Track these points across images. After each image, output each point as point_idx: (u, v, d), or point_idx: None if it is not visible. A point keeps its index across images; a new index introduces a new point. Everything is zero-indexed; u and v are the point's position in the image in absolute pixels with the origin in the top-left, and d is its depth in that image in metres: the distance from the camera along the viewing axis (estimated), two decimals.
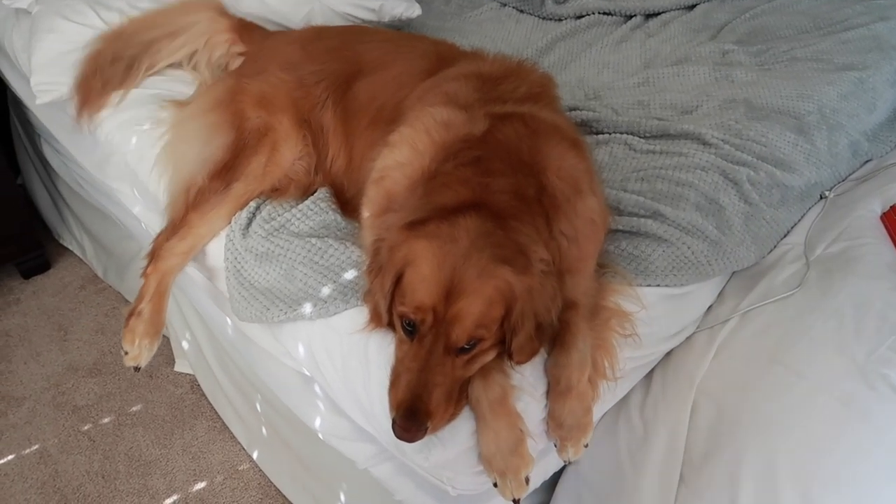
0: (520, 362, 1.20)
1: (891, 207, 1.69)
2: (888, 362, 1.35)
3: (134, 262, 2.22)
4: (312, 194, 1.58)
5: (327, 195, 1.57)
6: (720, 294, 1.64)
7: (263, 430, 1.93)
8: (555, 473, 1.50)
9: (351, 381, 1.29)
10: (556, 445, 1.27)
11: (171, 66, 1.93)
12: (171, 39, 1.86)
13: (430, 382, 1.11)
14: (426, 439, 1.15)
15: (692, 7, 2.44)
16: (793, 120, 1.81)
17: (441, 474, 1.22)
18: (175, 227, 1.57)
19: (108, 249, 2.54)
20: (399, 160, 1.31)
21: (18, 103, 2.46)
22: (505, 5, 2.59)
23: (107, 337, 2.46)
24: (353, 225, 1.49)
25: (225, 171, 1.56)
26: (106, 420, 2.19)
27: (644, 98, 1.94)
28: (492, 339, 1.14)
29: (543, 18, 2.50)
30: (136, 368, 1.58)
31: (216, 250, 1.56)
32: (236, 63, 1.89)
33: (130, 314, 1.57)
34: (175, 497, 1.99)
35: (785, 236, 1.71)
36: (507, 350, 1.16)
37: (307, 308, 1.34)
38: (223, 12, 1.90)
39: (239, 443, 2.09)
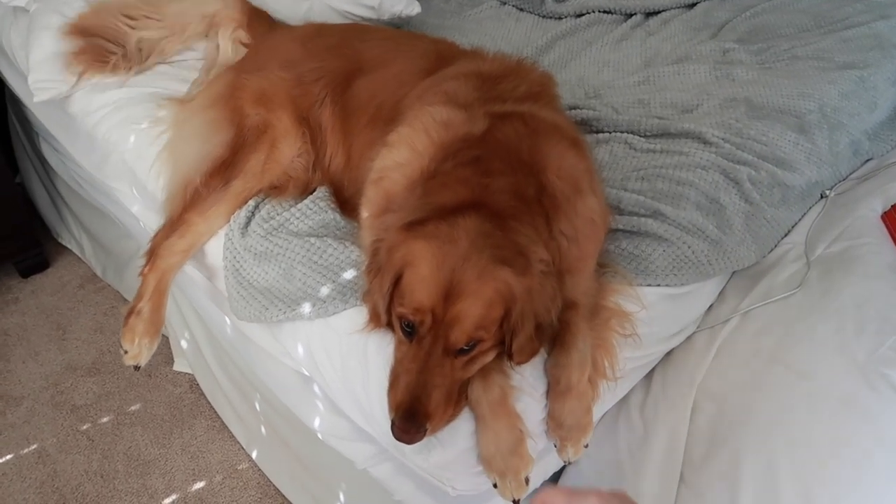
0: (520, 363, 1.19)
1: (892, 207, 1.69)
2: (889, 362, 1.34)
3: (133, 261, 2.22)
4: (311, 193, 1.57)
5: (326, 194, 1.56)
6: (720, 294, 1.64)
7: (262, 430, 1.92)
8: (555, 473, 1.49)
9: (350, 382, 1.29)
10: (555, 446, 1.27)
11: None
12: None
13: (429, 384, 1.11)
14: (425, 440, 1.14)
15: (692, 5, 2.43)
16: (794, 119, 1.80)
17: (441, 475, 1.22)
18: (173, 225, 1.56)
19: (106, 248, 2.53)
20: (398, 160, 1.30)
21: (16, 101, 2.46)
22: (505, 3, 2.57)
23: (105, 336, 2.45)
24: (352, 224, 1.48)
25: (224, 169, 1.56)
26: (105, 419, 2.19)
27: (644, 97, 1.93)
28: (491, 340, 1.14)
29: (543, 17, 2.49)
30: (136, 367, 1.58)
31: (215, 249, 1.56)
32: (237, 52, 1.88)
33: (129, 313, 1.57)
34: (174, 496, 1.99)
35: (785, 236, 1.70)
36: (506, 351, 1.16)
37: (306, 308, 1.34)
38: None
39: (238, 442, 2.09)
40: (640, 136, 1.78)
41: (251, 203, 1.55)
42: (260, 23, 1.92)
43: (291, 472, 1.89)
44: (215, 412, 2.17)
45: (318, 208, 1.51)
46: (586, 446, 1.26)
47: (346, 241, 1.42)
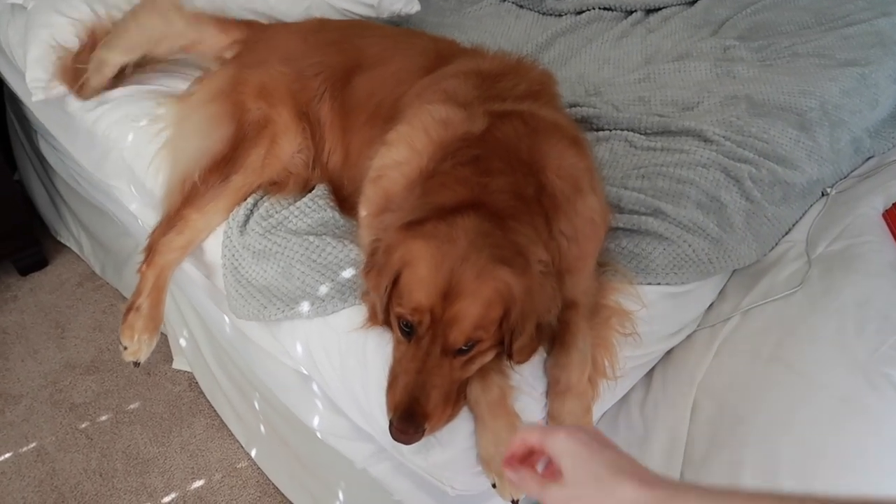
0: (519, 362, 1.19)
1: (893, 205, 1.68)
2: (890, 361, 1.34)
3: (131, 259, 2.21)
4: (311, 191, 1.57)
5: (325, 192, 1.55)
6: (721, 292, 1.63)
7: (262, 428, 1.92)
8: None
9: (349, 381, 1.29)
10: None
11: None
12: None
13: (428, 384, 1.10)
14: (424, 440, 1.14)
15: (693, 2, 2.42)
16: (794, 116, 1.79)
17: (440, 475, 1.22)
18: (172, 221, 1.56)
19: (105, 246, 2.53)
20: (397, 159, 1.29)
21: (15, 99, 2.45)
22: (504, 0, 2.57)
23: (104, 334, 2.45)
24: (351, 223, 1.47)
25: (224, 164, 1.55)
26: (103, 418, 2.18)
27: (645, 94, 1.92)
28: (490, 340, 1.13)
29: (543, 14, 2.48)
30: (136, 364, 1.58)
31: (213, 247, 1.55)
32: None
33: (128, 309, 1.56)
34: (173, 495, 1.98)
35: (786, 234, 1.69)
36: (506, 350, 1.15)
37: (305, 306, 1.33)
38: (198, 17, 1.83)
39: (237, 441, 2.09)
40: (641, 133, 1.77)
41: (250, 201, 1.54)
42: (249, 31, 1.84)
43: (290, 470, 1.88)
44: (214, 411, 2.17)
45: (316, 206, 1.50)
46: None
47: (344, 239, 1.42)
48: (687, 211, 1.50)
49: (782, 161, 1.69)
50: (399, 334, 1.15)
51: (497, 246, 1.11)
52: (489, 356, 1.16)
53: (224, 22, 1.82)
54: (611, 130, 1.79)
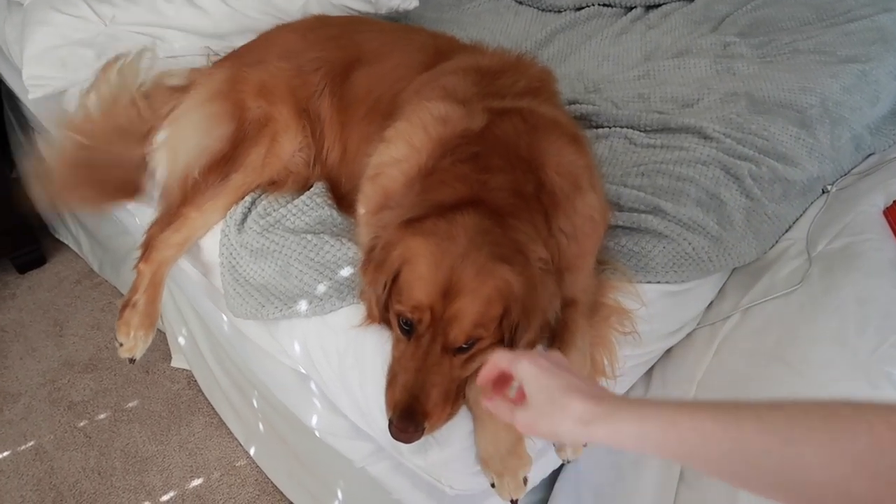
0: None
1: (894, 202, 1.67)
2: (891, 360, 1.33)
3: (129, 257, 2.18)
4: (309, 189, 1.56)
5: (323, 190, 1.55)
6: (721, 290, 1.63)
7: (260, 427, 1.92)
8: (554, 471, 1.48)
9: (347, 380, 1.28)
10: (554, 444, 1.26)
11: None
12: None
13: (428, 382, 1.09)
14: (423, 439, 1.13)
15: None
16: (795, 113, 1.78)
17: (438, 474, 1.21)
18: (170, 218, 1.55)
19: (103, 244, 2.52)
20: (395, 156, 1.29)
21: (12, 96, 2.44)
22: None
23: (102, 332, 2.44)
24: (350, 221, 1.47)
25: (224, 163, 1.54)
26: (102, 416, 2.18)
27: (644, 91, 1.92)
28: (490, 338, 1.13)
29: (542, 10, 2.47)
30: (131, 360, 1.57)
31: (211, 246, 1.55)
32: None
33: (125, 306, 1.55)
34: (172, 494, 1.98)
35: (786, 232, 1.69)
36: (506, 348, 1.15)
37: (303, 305, 1.33)
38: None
39: (236, 439, 2.08)
40: (640, 130, 1.76)
41: (248, 199, 1.53)
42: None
43: (289, 469, 1.88)
44: (213, 409, 2.16)
45: (314, 204, 1.49)
46: (585, 445, 1.25)
47: (342, 237, 1.41)
48: (687, 209, 1.49)
49: (782, 158, 1.68)
50: (398, 332, 1.15)
51: (497, 243, 1.10)
52: (489, 354, 1.15)
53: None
54: (610, 128, 1.79)
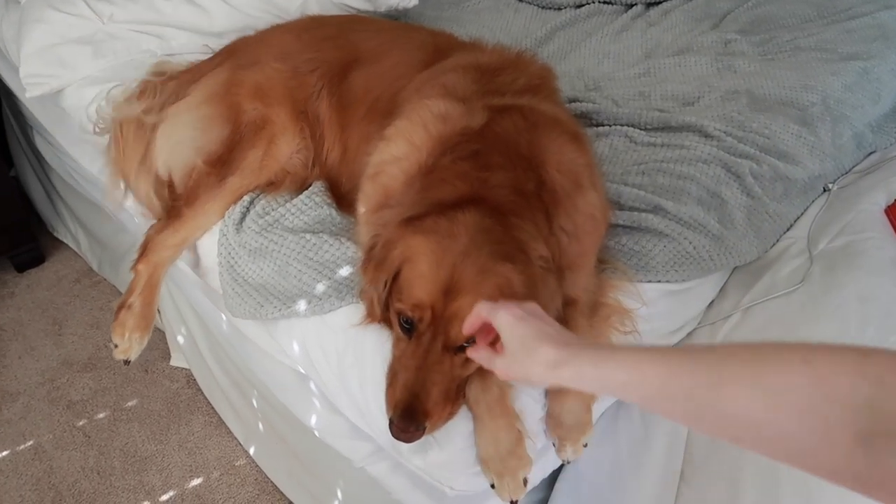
0: None
1: (895, 200, 1.66)
2: None
3: (129, 256, 2.19)
4: (307, 188, 1.55)
5: (322, 189, 1.54)
6: (722, 289, 1.62)
7: (260, 426, 1.91)
8: (554, 471, 1.48)
9: (346, 380, 1.27)
10: (554, 445, 1.26)
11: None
12: None
13: (429, 381, 1.09)
14: (423, 439, 1.12)
15: None
16: (796, 111, 1.78)
17: (438, 475, 1.21)
18: (167, 219, 1.55)
19: (102, 242, 2.51)
20: (395, 155, 1.28)
21: (10, 95, 2.43)
22: None
23: (101, 331, 2.44)
24: (349, 220, 1.46)
25: (220, 165, 1.53)
26: (101, 415, 2.17)
27: (645, 89, 1.91)
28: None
29: (542, 7, 2.46)
30: (126, 362, 1.56)
31: (209, 245, 1.54)
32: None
33: (120, 307, 1.55)
34: (171, 493, 1.97)
35: (787, 230, 1.68)
36: None
37: (301, 305, 1.32)
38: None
39: (235, 438, 2.08)
40: (641, 129, 1.76)
41: (246, 199, 1.53)
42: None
43: (289, 468, 1.88)
44: (212, 408, 2.16)
45: (313, 204, 1.49)
46: (585, 446, 1.24)
47: (342, 237, 1.40)
48: (687, 207, 1.49)
49: (783, 156, 1.67)
50: (399, 331, 1.14)
51: (498, 242, 1.09)
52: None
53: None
54: (610, 126, 1.78)
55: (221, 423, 2.12)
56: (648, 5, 2.39)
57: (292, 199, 1.51)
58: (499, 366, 0.90)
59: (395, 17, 2.28)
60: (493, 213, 1.13)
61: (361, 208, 1.35)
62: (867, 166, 1.86)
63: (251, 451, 2.02)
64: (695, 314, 1.57)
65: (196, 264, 1.62)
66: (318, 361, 1.33)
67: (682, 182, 1.55)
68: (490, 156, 1.21)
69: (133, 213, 1.85)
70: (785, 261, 1.58)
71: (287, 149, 1.57)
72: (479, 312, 0.94)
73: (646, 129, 1.75)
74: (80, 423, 2.15)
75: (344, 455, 1.45)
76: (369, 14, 2.20)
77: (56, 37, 1.89)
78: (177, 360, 2.28)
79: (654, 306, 1.37)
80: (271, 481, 1.97)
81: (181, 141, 1.57)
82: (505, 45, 1.58)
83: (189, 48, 1.99)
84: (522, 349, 0.84)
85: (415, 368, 1.09)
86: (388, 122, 1.36)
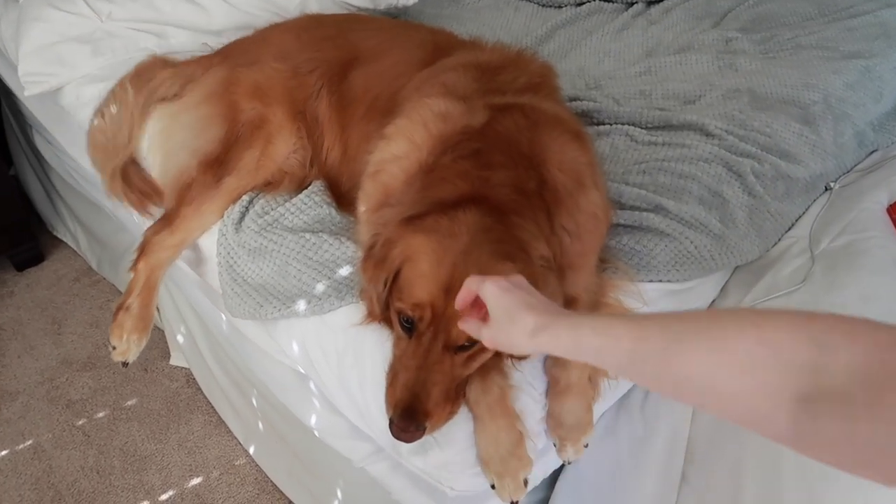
0: (520, 358, 1.17)
1: None
2: None
3: (127, 255, 2.19)
4: (307, 188, 1.55)
5: (322, 188, 1.53)
6: (723, 289, 1.61)
7: (260, 426, 1.91)
8: (554, 471, 1.47)
9: (346, 380, 1.27)
10: (555, 445, 1.25)
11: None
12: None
13: (429, 381, 1.08)
14: (423, 440, 1.12)
15: None
16: (798, 110, 1.77)
17: (438, 475, 1.20)
18: (165, 220, 1.54)
19: (101, 241, 2.51)
20: (396, 153, 1.27)
21: (9, 94, 2.42)
22: None
23: (101, 330, 2.43)
24: (349, 219, 1.45)
25: (217, 165, 1.53)
26: (100, 415, 2.17)
27: (646, 87, 1.90)
28: None
29: (543, 5, 2.45)
30: (124, 364, 1.56)
31: (208, 245, 1.53)
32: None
33: (119, 308, 1.54)
34: (171, 493, 1.97)
35: (789, 229, 1.67)
36: None
37: (301, 305, 1.31)
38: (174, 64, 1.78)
39: (235, 437, 2.07)
40: (642, 128, 1.75)
41: (245, 198, 1.52)
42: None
43: (289, 468, 1.87)
44: (212, 407, 2.15)
45: (313, 203, 1.48)
46: (586, 446, 1.24)
47: (341, 236, 1.40)
48: (689, 207, 1.48)
49: (785, 155, 1.67)
50: (399, 330, 1.14)
51: (499, 241, 1.09)
52: (491, 352, 1.14)
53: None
54: (611, 125, 1.77)
55: (221, 422, 2.12)
56: (649, 3, 2.38)
57: (291, 198, 1.50)
58: (485, 335, 0.93)
59: (395, 16, 2.27)
60: (494, 212, 1.12)
61: (362, 207, 1.34)
62: (869, 165, 1.86)
63: (251, 450, 2.01)
64: None
65: (196, 263, 1.61)
66: (317, 361, 1.32)
67: (683, 181, 1.54)
68: (491, 154, 1.20)
69: (132, 212, 1.84)
70: (786, 260, 1.58)
71: (284, 149, 1.56)
72: (469, 286, 0.96)
73: (647, 128, 1.75)
74: (80, 423, 2.15)
75: (344, 455, 1.45)
76: (369, 12, 2.19)
77: (55, 35, 1.89)
78: (176, 360, 2.28)
79: (655, 306, 1.37)
80: (271, 481, 1.97)
81: (179, 144, 1.56)
82: (505, 43, 1.57)
83: (188, 46, 1.98)
84: (506, 318, 0.87)
85: (415, 368, 1.09)
86: (388, 121, 1.35)
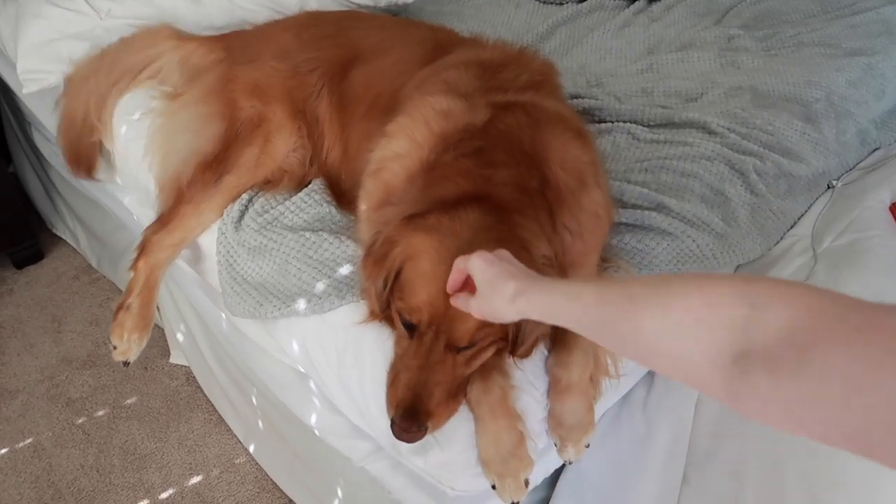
0: (523, 356, 1.16)
1: None
2: None
3: (128, 253, 2.18)
4: (306, 186, 1.54)
5: (322, 187, 1.52)
6: None
7: (260, 424, 1.90)
8: (555, 470, 1.47)
9: (346, 379, 1.26)
10: (556, 445, 1.24)
11: None
12: (134, 76, 1.76)
13: (431, 381, 1.07)
14: (424, 439, 1.11)
15: None
16: (800, 107, 1.77)
17: (439, 475, 1.19)
18: (165, 219, 1.53)
19: (101, 239, 2.50)
20: (397, 151, 1.27)
21: (8, 91, 2.41)
22: None
23: (101, 328, 2.43)
24: (349, 218, 1.45)
25: (216, 163, 1.52)
26: (100, 413, 2.16)
27: (647, 85, 1.90)
28: (494, 334, 1.11)
29: (544, 2, 2.44)
30: (125, 363, 1.55)
31: (208, 244, 1.53)
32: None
33: (119, 308, 1.53)
34: (171, 491, 1.97)
35: (791, 228, 1.67)
36: (510, 345, 1.13)
37: (301, 304, 1.31)
38: (182, 35, 1.80)
39: (235, 436, 2.07)
40: (644, 125, 1.74)
41: (245, 197, 1.51)
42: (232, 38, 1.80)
43: (289, 467, 1.87)
44: (212, 405, 2.15)
45: (313, 201, 1.47)
46: (587, 446, 1.23)
47: (341, 235, 1.39)
48: (691, 205, 1.47)
49: (787, 153, 1.66)
50: (401, 329, 1.13)
51: (500, 240, 1.08)
52: (492, 350, 1.14)
53: (208, 38, 1.80)
54: (613, 122, 1.76)
55: (221, 420, 2.11)
56: (651, 0, 2.37)
57: (291, 196, 1.50)
58: (473, 306, 0.97)
59: (396, 13, 2.26)
60: (496, 211, 1.11)
61: (363, 206, 1.33)
62: (871, 163, 1.85)
63: (251, 448, 2.01)
64: None
65: (195, 262, 1.61)
66: (317, 360, 1.32)
67: (685, 179, 1.53)
68: (493, 153, 1.20)
69: (132, 210, 1.84)
70: (789, 259, 1.57)
71: (284, 147, 1.55)
72: (458, 267, 0.99)
73: (649, 126, 1.74)
74: (80, 421, 2.15)
75: (344, 454, 1.44)
76: (370, 10, 2.18)
77: (54, 32, 1.88)
78: (176, 358, 2.27)
79: None
80: (271, 479, 1.97)
81: (178, 143, 1.56)
82: (506, 40, 1.57)
83: None
84: (490, 287, 0.92)
85: (417, 368, 1.08)
86: (389, 120, 1.34)
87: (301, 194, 1.49)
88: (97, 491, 1.97)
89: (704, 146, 1.61)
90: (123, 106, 1.76)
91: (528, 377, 1.21)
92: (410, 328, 1.10)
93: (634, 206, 1.49)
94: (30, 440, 2.10)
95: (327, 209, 1.46)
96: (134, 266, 1.53)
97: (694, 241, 1.44)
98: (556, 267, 1.16)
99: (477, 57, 1.45)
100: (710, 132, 1.67)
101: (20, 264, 2.65)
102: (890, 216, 1.63)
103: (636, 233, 1.44)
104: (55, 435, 2.11)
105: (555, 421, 1.22)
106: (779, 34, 2.07)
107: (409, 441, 1.09)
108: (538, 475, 1.35)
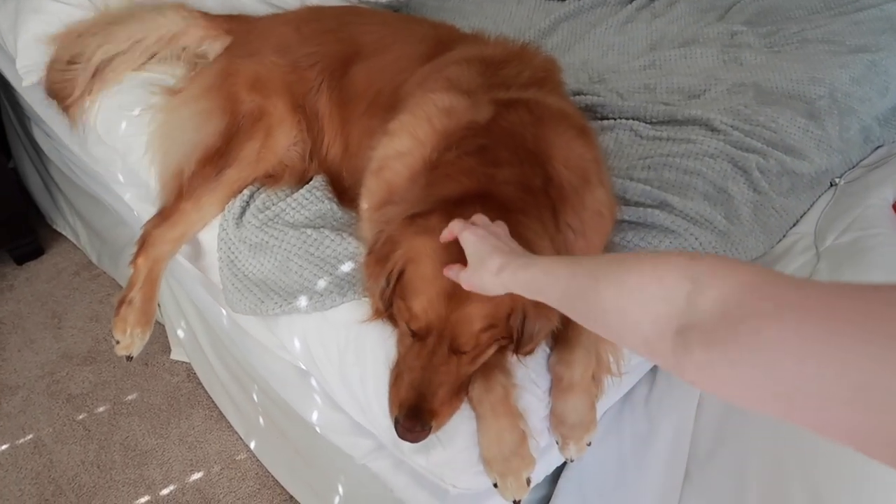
0: (526, 354, 1.16)
1: None
2: None
3: (128, 249, 2.17)
4: (308, 182, 1.53)
5: (323, 183, 1.52)
6: None
7: (261, 420, 1.90)
8: (557, 467, 1.47)
9: (347, 377, 1.26)
10: (558, 443, 1.24)
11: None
12: (135, 42, 1.76)
13: (435, 381, 1.07)
14: (426, 438, 1.11)
15: None
16: (803, 104, 1.76)
17: (441, 473, 1.19)
18: (166, 213, 1.53)
19: (101, 235, 2.49)
20: (399, 149, 1.26)
21: (7, 86, 2.40)
22: None
23: (101, 324, 2.42)
24: (350, 215, 1.44)
25: (217, 157, 1.51)
26: (101, 409, 2.16)
27: (650, 82, 1.89)
28: (497, 334, 1.11)
29: None
30: (128, 358, 1.55)
31: (209, 240, 1.52)
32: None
33: (121, 302, 1.53)
34: (172, 487, 1.97)
35: (794, 226, 1.66)
36: (514, 344, 1.13)
37: (302, 301, 1.30)
38: (191, 11, 1.80)
39: (236, 432, 2.07)
40: (646, 122, 1.73)
41: (246, 193, 1.51)
42: (226, 21, 1.81)
43: (290, 463, 1.87)
44: (213, 402, 2.15)
45: (314, 198, 1.47)
46: (589, 444, 1.23)
47: (343, 232, 1.38)
48: (694, 203, 1.47)
49: (790, 151, 1.65)
50: (404, 327, 1.13)
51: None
52: (495, 348, 1.14)
53: (211, 16, 1.80)
54: (615, 119, 1.76)
55: (222, 417, 2.11)
56: None
57: (293, 193, 1.49)
58: (463, 278, 1.00)
59: (397, 8, 2.25)
60: (499, 210, 1.10)
61: (364, 204, 1.33)
62: (874, 160, 1.85)
63: (252, 445, 2.01)
64: None
65: (196, 258, 1.60)
66: (319, 358, 1.31)
67: (688, 177, 1.53)
68: (496, 151, 1.19)
69: (132, 206, 1.83)
70: (792, 256, 1.57)
71: (284, 140, 1.55)
72: (452, 229, 1.02)
73: (651, 123, 1.73)
74: (80, 417, 2.14)
75: (345, 452, 1.44)
76: (370, 5, 2.17)
77: (53, 26, 1.87)
78: (177, 354, 2.27)
79: None
80: (272, 476, 1.96)
81: (179, 139, 1.55)
82: (508, 37, 1.56)
83: None
84: (478, 261, 0.95)
85: (420, 368, 1.08)
86: (390, 117, 1.34)
87: (302, 191, 1.49)
88: (98, 487, 1.97)
89: (707, 143, 1.61)
90: (123, 101, 1.75)
91: (531, 375, 1.20)
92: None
93: (637, 204, 1.48)
94: (30, 436, 2.10)
95: (329, 206, 1.45)
96: (135, 261, 1.52)
97: (697, 238, 1.43)
98: None
99: (479, 53, 1.44)
100: (713, 129, 1.66)
101: (20, 260, 2.64)
102: (893, 214, 1.62)
103: (639, 230, 1.44)
104: (56, 431, 2.11)
105: (557, 419, 1.22)
106: (782, 31, 2.06)
107: (412, 441, 1.09)
108: (540, 473, 1.35)
